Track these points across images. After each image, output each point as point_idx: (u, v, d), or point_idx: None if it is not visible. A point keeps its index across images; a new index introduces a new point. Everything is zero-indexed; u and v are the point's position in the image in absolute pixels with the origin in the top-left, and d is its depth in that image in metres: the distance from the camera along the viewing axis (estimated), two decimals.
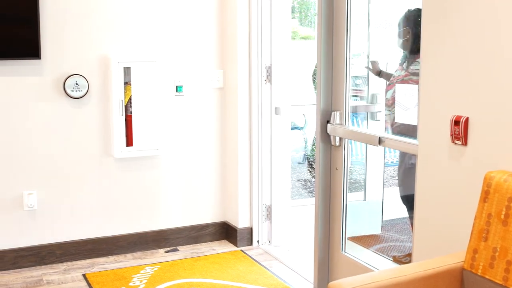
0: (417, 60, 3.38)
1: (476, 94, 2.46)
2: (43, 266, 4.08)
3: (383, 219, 3.94)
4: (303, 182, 7.09)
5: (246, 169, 4.41)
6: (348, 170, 3.51)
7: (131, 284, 3.77)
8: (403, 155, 3.67)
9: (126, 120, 4.14)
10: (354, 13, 3.38)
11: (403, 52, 3.58)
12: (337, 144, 3.48)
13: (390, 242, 3.86)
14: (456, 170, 2.58)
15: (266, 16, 4.27)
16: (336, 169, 3.52)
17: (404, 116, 3.30)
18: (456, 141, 2.55)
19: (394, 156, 4.22)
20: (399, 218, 3.89)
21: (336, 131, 3.46)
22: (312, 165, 7.49)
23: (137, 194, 4.30)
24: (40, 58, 3.92)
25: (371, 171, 3.89)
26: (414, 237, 2.84)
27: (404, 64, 3.51)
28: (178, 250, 4.39)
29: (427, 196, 2.75)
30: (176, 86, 4.32)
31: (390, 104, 3.49)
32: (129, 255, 4.28)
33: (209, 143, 4.48)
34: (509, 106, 2.33)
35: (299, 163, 7.67)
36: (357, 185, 4.12)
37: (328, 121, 3.50)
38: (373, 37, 3.63)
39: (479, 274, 2.22)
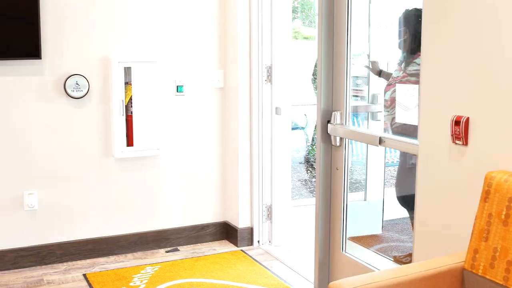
0: (414, 61, 3.37)
1: (476, 94, 2.46)
2: (43, 266, 4.08)
3: (384, 219, 3.94)
4: (303, 182, 7.09)
5: (247, 169, 4.40)
6: (348, 170, 3.51)
7: (131, 284, 3.77)
8: (402, 156, 3.66)
9: (126, 120, 4.14)
10: (355, 13, 3.38)
11: (402, 53, 3.58)
12: (338, 144, 3.48)
13: (391, 242, 3.85)
14: (456, 170, 2.58)
15: (266, 16, 4.27)
16: (337, 169, 3.51)
17: (404, 116, 3.30)
18: (457, 141, 2.55)
19: (394, 156, 4.21)
20: (400, 218, 3.89)
21: (337, 131, 3.46)
22: (312, 165, 7.49)
23: (138, 194, 4.30)
24: (40, 58, 3.91)
25: (371, 171, 3.89)
26: (415, 237, 2.84)
27: (402, 64, 3.50)
28: (178, 250, 4.39)
29: (427, 196, 2.75)
30: (177, 86, 4.32)
31: (389, 105, 3.48)
32: (129, 255, 4.28)
33: (210, 143, 4.48)
34: (510, 106, 2.33)
35: (300, 163, 7.67)
36: (357, 185, 4.11)
37: (328, 121, 3.50)
38: (374, 37, 3.63)
39: (479, 274, 2.22)
